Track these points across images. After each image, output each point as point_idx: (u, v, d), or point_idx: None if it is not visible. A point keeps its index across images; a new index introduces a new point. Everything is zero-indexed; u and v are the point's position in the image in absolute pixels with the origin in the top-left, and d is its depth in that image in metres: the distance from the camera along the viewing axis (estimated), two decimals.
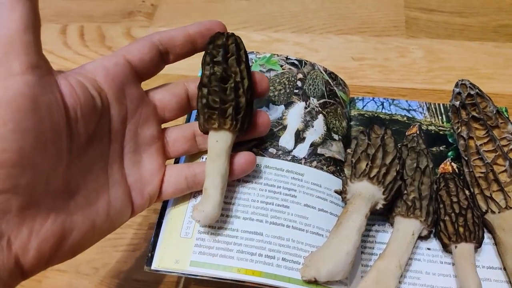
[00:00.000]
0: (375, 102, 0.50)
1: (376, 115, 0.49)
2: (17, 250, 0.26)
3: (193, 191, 0.38)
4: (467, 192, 0.40)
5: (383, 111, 0.49)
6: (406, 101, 0.50)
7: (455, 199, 0.39)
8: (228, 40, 0.35)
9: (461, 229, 0.38)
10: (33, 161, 0.26)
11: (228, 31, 0.36)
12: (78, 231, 0.30)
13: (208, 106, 0.34)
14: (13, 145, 0.25)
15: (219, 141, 0.35)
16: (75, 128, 0.29)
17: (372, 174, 0.37)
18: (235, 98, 0.34)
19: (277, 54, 0.46)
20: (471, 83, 0.44)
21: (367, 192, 0.37)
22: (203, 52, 0.36)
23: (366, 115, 0.49)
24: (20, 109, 0.25)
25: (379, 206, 0.38)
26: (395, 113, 0.49)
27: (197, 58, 0.39)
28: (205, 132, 0.36)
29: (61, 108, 0.28)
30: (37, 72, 0.27)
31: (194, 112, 0.42)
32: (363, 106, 0.50)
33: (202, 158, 0.39)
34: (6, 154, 0.25)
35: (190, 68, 0.49)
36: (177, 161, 0.40)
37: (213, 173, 0.34)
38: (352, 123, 0.48)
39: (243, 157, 0.37)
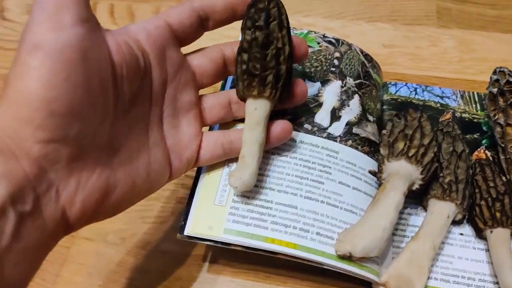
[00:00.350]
0: (408, 88, 0.50)
1: (409, 100, 0.48)
2: (64, 202, 0.27)
3: (227, 159, 0.37)
4: (503, 178, 0.40)
5: (416, 96, 0.49)
6: (440, 88, 0.50)
7: (491, 184, 0.39)
8: (270, 4, 0.34)
9: (498, 214, 0.37)
10: (83, 114, 0.26)
11: None
12: (121, 188, 0.30)
13: (248, 72, 0.34)
14: (65, 96, 0.25)
15: (257, 109, 0.34)
16: (120, 86, 0.29)
17: (410, 154, 0.37)
18: (276, 65, 0.33)
19: (314, 32, 0.46)
20: (510, 71, 0.44)
21: (404, 171, 0.36)
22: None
23: (399, 100, 0.48)
24: (70, 61, 0.26)
25: (416, 186, 0.37)
26: (428, 99, 0.48)
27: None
28: (243, 99, 0.35)
29: (108, 64, 0.28)
30: (87, 25, 0.27)
31: (230, 78, 0.42)
32: (396, 91, 0.49)
33: (236, 127, 0.39)
34: (57, 104, 0.25)
35: None
36: (211, 129, 0.40)
37: (251, 141, 0.34)
38: (384, 107, 0.47)
39: (279, 126, 0.37)
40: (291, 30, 0.45)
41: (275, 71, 0.33)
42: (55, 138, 0.25)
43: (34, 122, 0.25)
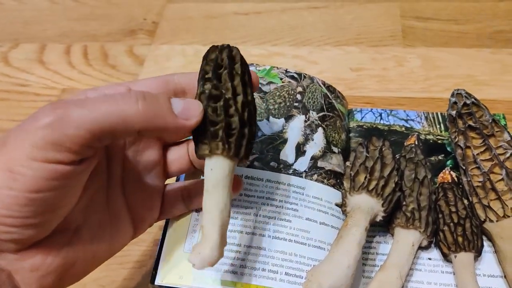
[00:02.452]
0: (373, 113, 0.51)
1: (374, 126, 0.50)
2: (19, 284, 0.27)
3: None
4: (465, 201, 0.41)
5: (382, 122, 0.50)
6: (404, 111, 0.51)
7: (453, 209, 0.40)
8: (221, 53, 0.32)
9: (460, 239, 0.38)
10: (38, 222, 0.26)
11: (224, 44, 0.33)
12: (80, 263, 0.30)
13: (198, 129, 0.30)
14: (19, 214, 0.25)
15: (214, 169, 0.30)
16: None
17: (370, 187, 0.38)
18: (225, 117, 0.30)
19: (277, 67, 0.47)
20: (466, 92, 0.45)
21: (366, 205, 0.38)
22: None
23: (364, 126, 0.50)
24: (39, 191, 0.25)
25: (379, 218, 0.38)
26: (394, 124, 0.50)
27: None
28: (202, 158, 0.32)
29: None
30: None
31: None
32: (362, 118, 0.50)
33: (201, 176, 0.39)
34: (10, 220, 0.25)
35: None
36: (178, 180, 0.41)
37: (210, 208, 0.30)
38: (351, 134, 0.49)
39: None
40: (254, 67, 0.47)
41: (225, 124, 0.30)
42: (3, 238, 0.25)
43: None
